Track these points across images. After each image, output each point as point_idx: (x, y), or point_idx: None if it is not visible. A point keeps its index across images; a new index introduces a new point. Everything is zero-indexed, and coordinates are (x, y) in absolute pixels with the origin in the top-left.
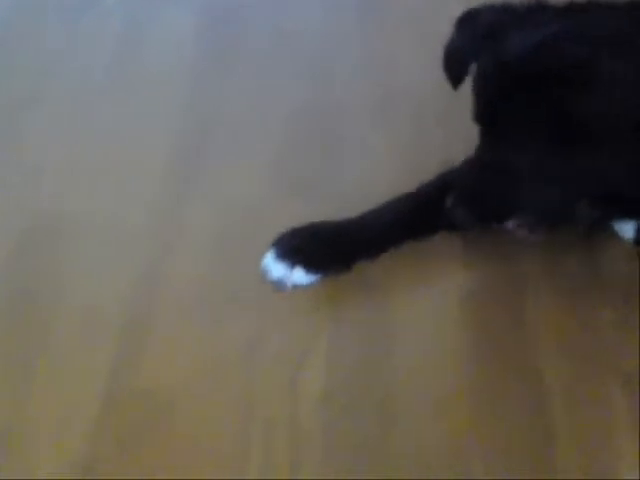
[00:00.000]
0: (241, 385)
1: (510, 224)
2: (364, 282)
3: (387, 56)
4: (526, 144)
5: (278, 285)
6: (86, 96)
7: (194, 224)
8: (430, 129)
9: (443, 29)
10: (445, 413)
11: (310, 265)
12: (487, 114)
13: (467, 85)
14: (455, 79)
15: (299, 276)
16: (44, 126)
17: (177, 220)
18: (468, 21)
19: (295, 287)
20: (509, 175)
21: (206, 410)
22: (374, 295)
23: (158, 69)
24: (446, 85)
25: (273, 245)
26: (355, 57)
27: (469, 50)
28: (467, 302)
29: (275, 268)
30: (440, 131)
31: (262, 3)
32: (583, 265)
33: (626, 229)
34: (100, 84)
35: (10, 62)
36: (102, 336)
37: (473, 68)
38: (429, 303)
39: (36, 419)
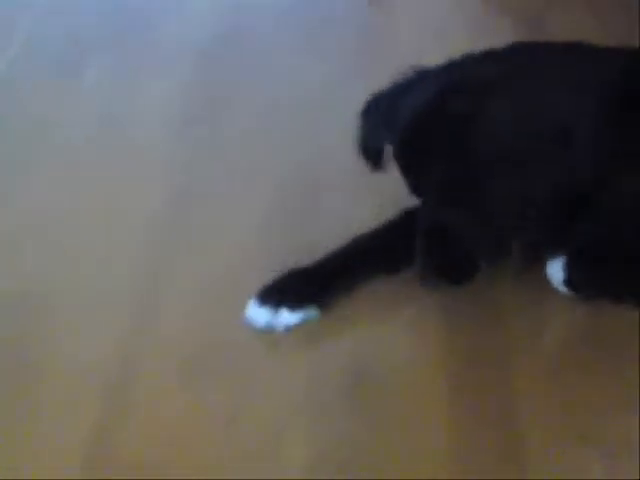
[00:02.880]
0: (222, 456)
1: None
2: (343, 350)
3: None
4: (443, 191)
5: (268, 331)
6: (67, 169)
7: (176, 292)
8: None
9: None
10: (429, 469)
11: (293, 303)
12: (410, 180)
13: None
14: (373, 163)
15: (286, 317)
16: (24, 199)
17: (159, 288)
18: (368, 110)
19: (286, 329)
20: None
21: None
22: (353, 365)
23: (143, 138)
24: None
25: (254, 296)
26: (343, 117)
27: (375, 136)
28: (451, 361)
29: (260, 315)
30: None
31: (248, 66)
32: (565, 336)
33: (555, 272)
34: (81, 156)
35: None
36: (84, 402)
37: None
38: (410, 366)
39: None
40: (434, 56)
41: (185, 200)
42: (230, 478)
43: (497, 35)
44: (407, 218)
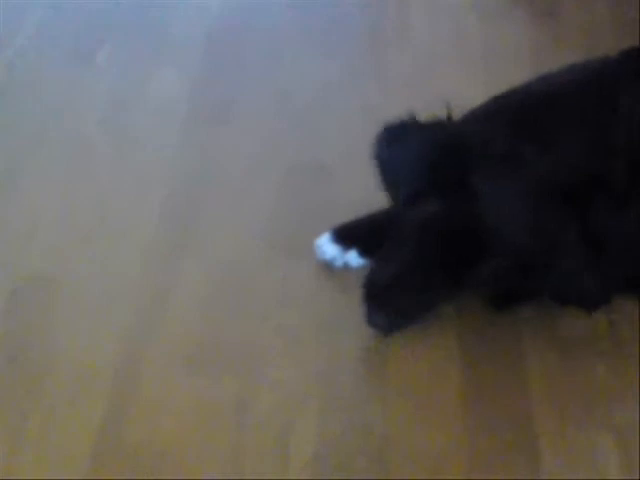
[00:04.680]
0: (231, 443)
1: None
2: (359, 341)
3: (384, 112)
4: None
5: (329, 263)
6: (78, 155)
7: (185, 283)
8: None
9: (440, 90)
10: (440, 470)
11: (364, 250)
12: None
13: None
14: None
15: (352, 258)
16: (36, 185)
17: (168, 279)
18: (396, 143)
19: (345, 267)
20: None
21: (195, 468)
22: (367, 357)
23: (151, 127)
24: None
25: (330, 230)
26: (352, 114)
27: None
28: (464, 361)
29: (329, 249)
30: None
31: (258, 60)
32: (578, 323)
33: None
34: (93, 141)
35: (5, 122)
36: (93, 391)
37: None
38: (425, 360)
39: (29, 473)
40: (446, 54)
41: (196, 188)
42: (236, 466)
43: (512, 28)
44: None
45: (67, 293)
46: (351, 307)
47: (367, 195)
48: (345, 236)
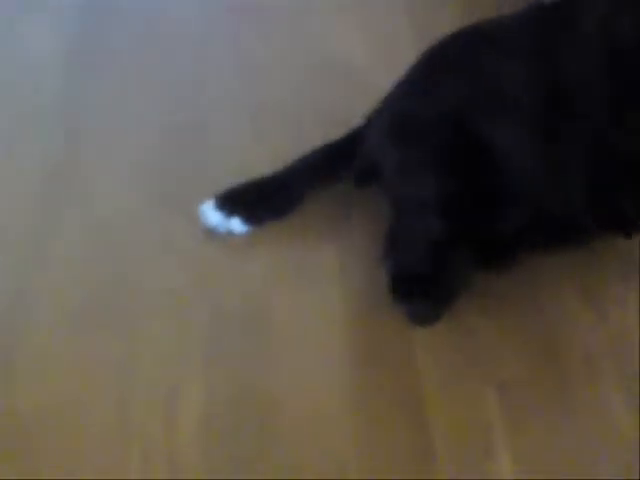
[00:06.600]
0: (115, 412)
1: None
2: (244, 307)
3: (262, 62)
4: None
5: (212, 230)
6: None
7: (66, 241)
8: (306, 139)
9: (316, 31)
10: (327, 431)
11: (247, 216)
12: None
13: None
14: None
15: (236, 225)
16: None
17: (48, 233)
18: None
19: (230, 234)
20: None
21: (76, 432)
22: (250, 314)
23: (26, 80)
24: (323, 95)
25: (214, 196)
26: (230, 62)
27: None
28: (348, 320)
29: (212, 216)
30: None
31: (135, 4)
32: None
33: None
34: None
35: None
36: None
37: None
38: (311, 322)
39: None
40: None
41: (75, 141)
42: (121, 430)
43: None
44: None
45: None
46: (233, 264)
47: (244, 144)
48: (228, 203)
